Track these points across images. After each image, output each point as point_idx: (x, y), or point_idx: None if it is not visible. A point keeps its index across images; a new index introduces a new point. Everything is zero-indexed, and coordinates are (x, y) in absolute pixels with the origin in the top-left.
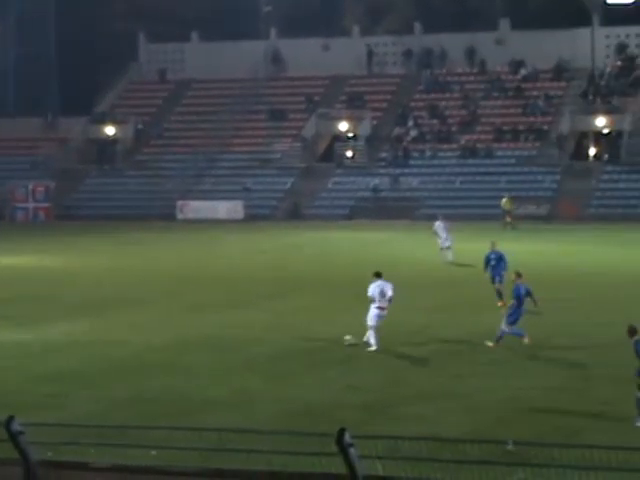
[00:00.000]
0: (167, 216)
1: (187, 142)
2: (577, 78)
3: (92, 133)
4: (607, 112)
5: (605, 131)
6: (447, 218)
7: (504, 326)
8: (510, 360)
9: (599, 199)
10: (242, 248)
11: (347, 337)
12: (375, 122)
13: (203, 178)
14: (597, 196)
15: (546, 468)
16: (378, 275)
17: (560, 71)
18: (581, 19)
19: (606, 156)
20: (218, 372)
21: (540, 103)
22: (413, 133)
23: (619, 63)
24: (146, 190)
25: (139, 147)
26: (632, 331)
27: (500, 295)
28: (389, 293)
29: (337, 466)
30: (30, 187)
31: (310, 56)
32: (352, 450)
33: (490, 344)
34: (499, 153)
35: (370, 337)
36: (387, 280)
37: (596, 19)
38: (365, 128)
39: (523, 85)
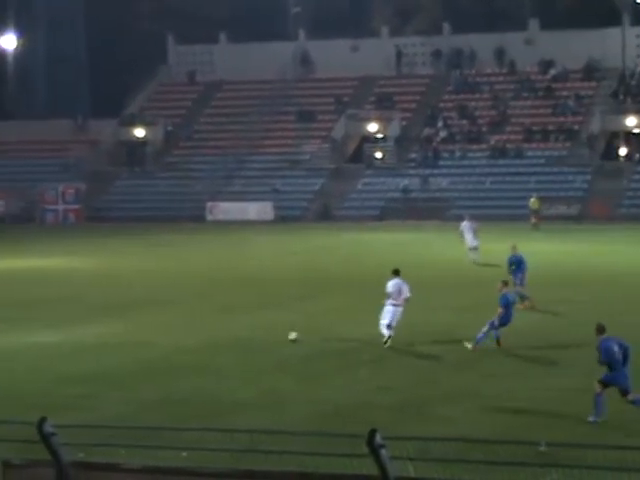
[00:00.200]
0: (197, 217)
1: (217, 144)
2: (607, 78)
3: (122, 135)
4: (638, 112)
5: (636, 131)
6: (474, 219)
7: (484, 329)
8: (538, 361)
9: (630, 199)
10: (272, 249)
11: (292, 334)
12: (404, 123)
13: (233, 179)
14: (628, 196)
15: (578, 469)
16: (396, 273)
17: (590, 71)
18: (611, 19)
19: (637, 156)
20: (248, 373)
21: (570, 103)
22: (443, 134)
23: None
24: (176, 192)
25: (169, 149)
26: (600, 329)
27: (522, 297)
28: (406, 292)
29: (368, 467)
30: (60, 189)
31: (339, 57)
32: (383, 451)
33: (469, 346)
34: (529, 153)
35: (382, 327)
36: (405, 280)
37: (626, 18)
38: (394, 129)
39: (553, 85)
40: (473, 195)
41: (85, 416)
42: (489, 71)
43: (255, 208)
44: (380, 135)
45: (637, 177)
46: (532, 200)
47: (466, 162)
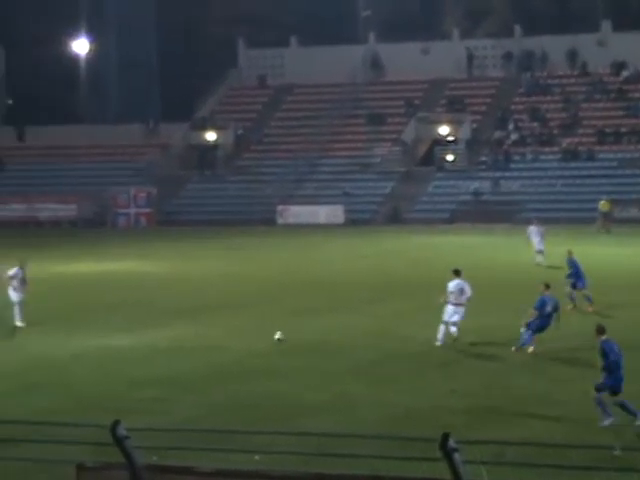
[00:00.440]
0: (267, 221)
1: (287, 147)
2: None
3: (193, 139)
4: None
5: None
6: (541, 223)
7: (522, 330)
8: None
9: None
10: (342, 253)
11: (277, 333)
12: (475, 125)
13: (303, 183)
14: None
15: None
16: (457, 273)
17: None
18: None
19: None
20: (319, 377)
21: None
22: (514, 136)
23: None
24: (246, 195)
25: (239, 152)
26: (601, 330)
27: (589, 299)
28: (467, 292)
29: (440, 471)
30: (132, 193)
31: (409, 60)
32: (456, 455)
33: (513, 349)
34: (601, 156)
35: (439, 331)
36: (466, 280)
37: None
38: (465, 132)
39: (625, 87)
40: (544, 198)
41: (158, 419)
42: (561, 73)
43: (325, 211)
44: (451, 138)
45: None
46: (602, 202)
47: (537, 165)
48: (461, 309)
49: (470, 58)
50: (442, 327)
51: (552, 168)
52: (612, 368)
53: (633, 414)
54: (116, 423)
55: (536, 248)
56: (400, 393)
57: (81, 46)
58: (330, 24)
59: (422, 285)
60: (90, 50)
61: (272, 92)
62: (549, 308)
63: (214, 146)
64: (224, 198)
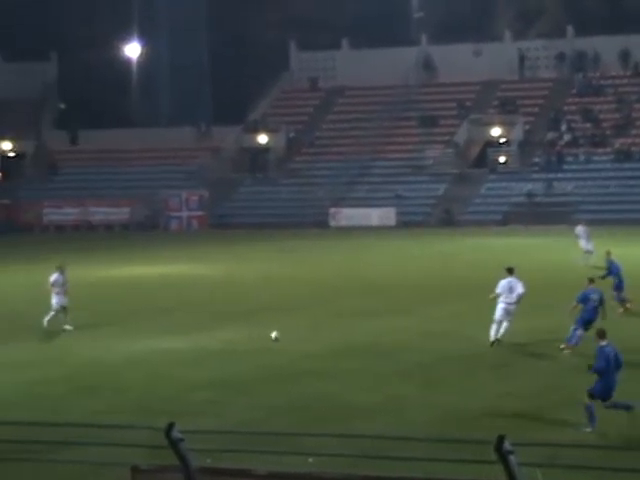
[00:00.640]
0: (320, 223)
1: (339, 149)
2: None
3: (245, 142)
4: None
5: None
6: (588, 224)
7: (574, 327)
8: None
9: None
10: (395, 255)
11: (273, 334)
12: (528, 127)
13: (355, 185)
14: None
15: None
16: (510, 271)
17: None
18: None
19: None
20: (372, 379)
21: None
22: (566, 137)
23: None
24: (299, 198)
25: (291, 155)
26: (600, 334)
27: (623, 300)
28: (519, 290)
29: (495, 473)
30: (184, 196)
31: (462, 61)
32: (512, 457)
33: (562, 346)
34: None
35: (491, 329)
36: (519, 278)
37: None
38: (517, 133)
39: None
40: (598, 199)
41: (210, 422)
42: (613, 73)
43: (378, 214)
44: (503, 139)
45: None
46: None
47: (591, 166)
48: (512, 308)
49: (522, 59)
50: (494, 326)
51: (605, 169)
52: (600, 374)
53: (626, 407)
54: (171, 426)
55: (585, 249)
56: (452, 395)
57: (133, 50)
58: (382, 26)
59: (475, 287)
60: (142, 54)
61: (324, 94)
62: (594, 301)
63: (266, 149)
64: (276, 201)
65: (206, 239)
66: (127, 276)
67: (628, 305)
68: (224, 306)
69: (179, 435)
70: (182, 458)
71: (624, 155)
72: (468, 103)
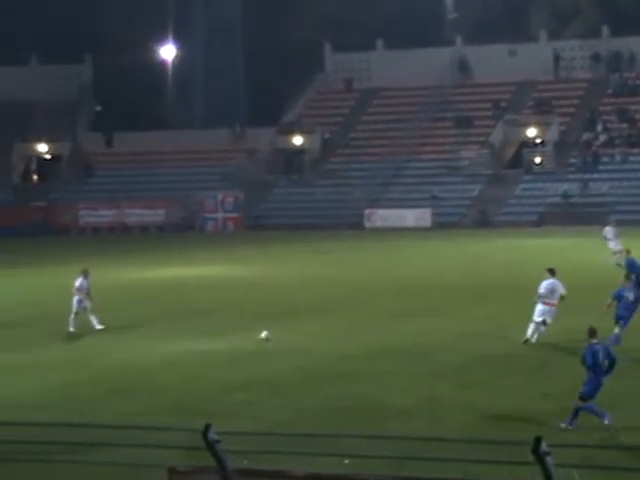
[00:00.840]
0: (355, 225)
1: (374, 151)
2: None
3: (280, 143)
4: None
5: None
6: (617, 224)
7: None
8: None
9: None
10: (430, 256)
11: (263, 334)
12: (563, 127)
13: (390, 186)
14: None
15: None
16: (552, 272)
17: None
18: None
19: None
20: (407, 380)
21: None
22: (602, 138)
23: None
24: (334, 199)
25: (326, 156)
26: (591, 332)
27: None
28: (560, 291)
29: (531, 474)
30: (219, 197)
31: (496, 62)
32: (549, 459)
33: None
34: None
35: (528, 328)
36: (560, 280)
37: None
38: (553, 133)
39: None
40: (634, 199)
41: (246, 423)
42: None
43: (413, 215)
44: (539, 140)
45: None
46: None
47: (627, 166)
48: (552, 309)
49: (557, 59)
50: (532, 326)
51: None
52: (588, 370)
53: (601, 416)
54: (207, 427)
55: (614, 249)
56: (487, 396)
57: (168, 52)
58: (416, 27)
59: (511, 288)
60: (177, 56)
61: (358, 95)
62: (630, 297)
63: (301, 150)
64: (311, 202)
65: (242, 240)
66: (163, 278)
67: None
68: (260, 307)
69: (216, 436)
70: (219, 459)
71: None
72: (503, 104)
